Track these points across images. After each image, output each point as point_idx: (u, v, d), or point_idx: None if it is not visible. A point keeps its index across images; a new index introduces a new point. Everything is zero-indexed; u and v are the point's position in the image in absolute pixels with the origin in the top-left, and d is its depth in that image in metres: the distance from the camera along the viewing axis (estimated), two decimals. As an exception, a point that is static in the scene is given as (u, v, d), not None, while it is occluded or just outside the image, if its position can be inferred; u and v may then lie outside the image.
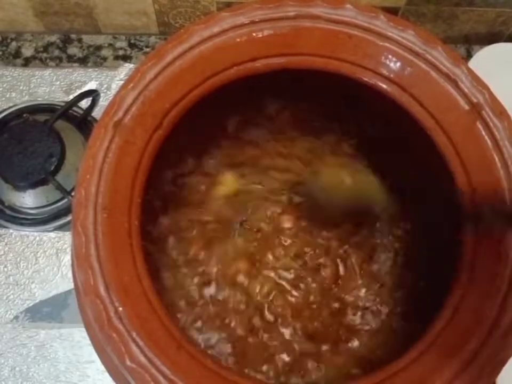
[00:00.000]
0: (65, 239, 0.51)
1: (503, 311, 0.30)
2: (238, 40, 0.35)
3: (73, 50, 0.59)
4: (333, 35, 0.35)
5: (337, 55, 0.35)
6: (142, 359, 0.29)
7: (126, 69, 0.56)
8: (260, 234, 0.45)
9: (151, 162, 0.33)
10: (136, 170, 0.32)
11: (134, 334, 0.29)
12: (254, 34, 0.35)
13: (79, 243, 0.30)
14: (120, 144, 0.32)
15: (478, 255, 0.31)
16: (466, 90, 0.34)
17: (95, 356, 0.47)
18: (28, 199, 0.51)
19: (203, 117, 0.36)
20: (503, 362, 0.30)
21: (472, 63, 0.53)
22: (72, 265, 0.34)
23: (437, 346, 0.30)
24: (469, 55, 0.58)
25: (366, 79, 0.35)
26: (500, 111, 0.33)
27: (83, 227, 0.31)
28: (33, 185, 0.51)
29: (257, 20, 0.35)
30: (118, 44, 0.59)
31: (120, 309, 0.29)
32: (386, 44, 0.35)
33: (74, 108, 0.54)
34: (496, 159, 0.32)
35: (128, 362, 0.29)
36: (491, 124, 0.33)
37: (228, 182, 0.45)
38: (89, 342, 0.33)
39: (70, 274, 0.50)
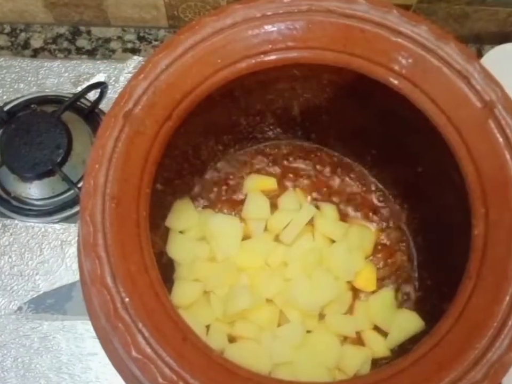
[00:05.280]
0: (70, 231, 0.51)
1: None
2: (250, 33, 0.35)
3: (82, 42, 0.59)
4: (345, 30, 0.35)
5: (349, 50, 0.35)
6: (148, 350, 0.29)
7: (134, 61, 0.56)
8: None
9: (160, 153, 0.33)
10: (145, 160, 0.32)
11: (140, 325, 0.29)
12: (266, 27, 0.35)
13: (87, 232, 0.30)
14: (130, 134, 0.32)
15: (487, 252, 0.31)
16: (478, 87, 0.33)
17: (98, 349, 0.47)
18: (34, 190, 0.51)
19: (212, 109, 0.36)
20: (510, 363, 0.30)
21: (483, 63, 0.53)
22: (79, 254, 0.34)
23: (445, 344, 0.30)
24: (479, 55, 0.58)
25: (377, 74, 0.35)
26: (512, 109, 0.33)
27: (91, 216, 0.30)
28: (40, 176, 0.51)
29: (269, 13, 0.35)
30: (127, 37, 0.59)
31: (127, 299, 0.29)
32: (399, 39, 0.34)
33: (82, 100, 0.54)
34: (508, 157, 0.32)
35: (134, 353, 0.29)
36: (503, 122, 0.33)
37: None
38: (92, 334, 0.33)
39: (74, 266, 0.50)
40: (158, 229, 0.42)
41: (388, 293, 0.43)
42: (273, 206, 0.46)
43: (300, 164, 0.48)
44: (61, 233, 0.51)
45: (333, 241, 0.44)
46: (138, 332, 0.29)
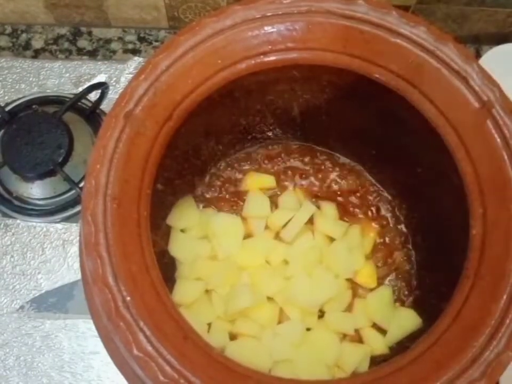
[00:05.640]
0: (71, 231, 0.51)
1: (509, 309, 0.30)
2: (250, 34, 0.35)
3: (83, 43, 0.60)
4: (345, 31, 0.35)
5: (348, 51, 0.35)
6: (149, 348, 0.29)
7: (135, 62, 0.57)
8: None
9: (161, 154, 0.33)
10: (146, 161, 0.32)
11: (142, 324, 0.29)
12: (265, 28, 0.35)
13: (89, 232, 0.31)
14: (131, 135, 0.32)
15: (485, 252, 0.31)
16: (477, 88, 0.34)
17: (99, 347, 0.47)
18: (36, 190, 0.51)
19: (212, 110, 0.36)
20: (507, 361, 0.30)
21: (481, 63, 0.53)
22: (81, 254, 0.34)
23: (443, 343, 0.30)
24: (478, 55, 0.58)
25: (376, 75, 0.35)
26: (510, 109, 0.33)
27: (93, 216, 0.31)
28: (41, 176, 0.51)
29: (269, 14, 0.35)
30: (128, 38, 0.60)
31: (128, 298, 0.30)
32: (398, 40, 0.35)
33: (83, 100, 0.54)
34: (506, 157, 0.32)
35: (135, 351, 0.29)
36: (501, 122, 0.33)
37: None
38: (94, 333, 0.34)
39: (76, 266, 0.51)
40: (158, 228, 0.42)
41: (386, 291, 0.44)
42: (274, 205, 0.46)
43: (299, 164, 0.48)
44: (63, 233, 0.52)
45: (333, 240, 0.44)
46: (139, 331, 0.29)
